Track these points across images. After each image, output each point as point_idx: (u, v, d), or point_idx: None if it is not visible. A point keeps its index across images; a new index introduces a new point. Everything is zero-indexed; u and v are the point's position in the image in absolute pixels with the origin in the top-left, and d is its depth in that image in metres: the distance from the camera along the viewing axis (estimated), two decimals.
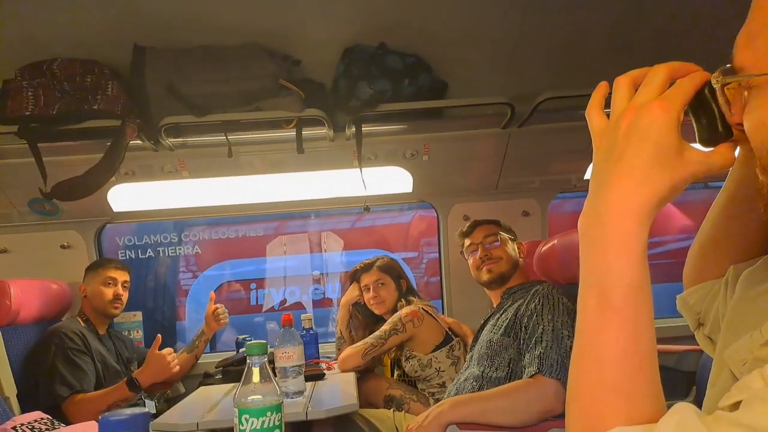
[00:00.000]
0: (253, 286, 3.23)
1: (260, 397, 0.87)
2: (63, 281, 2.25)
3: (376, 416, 1.87)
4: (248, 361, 0.89)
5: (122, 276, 2.20)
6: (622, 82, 0.49)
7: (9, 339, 1.91)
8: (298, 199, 2.44)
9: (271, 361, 1.65)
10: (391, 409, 1.95)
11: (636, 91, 0.48)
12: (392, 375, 2.30)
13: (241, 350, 2.21)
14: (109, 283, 2.15)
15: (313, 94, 1.84)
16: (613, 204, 0.46)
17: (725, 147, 0.48)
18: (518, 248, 1.83)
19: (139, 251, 2.93)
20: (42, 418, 1.66)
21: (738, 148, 0.53)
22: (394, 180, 2.36)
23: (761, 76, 0.43)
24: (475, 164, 2.35)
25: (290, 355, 1.63)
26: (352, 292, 2.29)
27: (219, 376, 2.12)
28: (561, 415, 1.36)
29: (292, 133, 1.92)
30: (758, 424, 0.36)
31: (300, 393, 1.64)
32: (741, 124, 0.46)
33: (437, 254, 2.59)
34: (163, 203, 2.39)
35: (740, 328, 0.56)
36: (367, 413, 1.88)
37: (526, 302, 1.59)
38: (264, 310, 3.20)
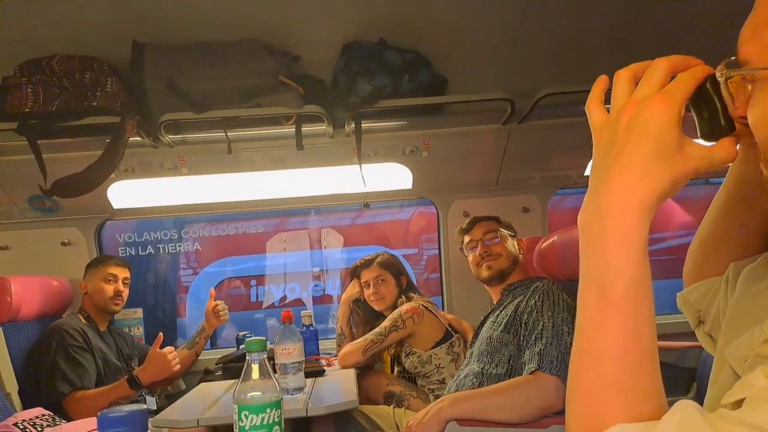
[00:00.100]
0: (253, 282, 3.23)
1: (259, 393, 0.87)
2: (64, 278, 2.25)
3: (376, 413, 1.88)
4: (247, 357, 0.89)
5: (123, 273, 2.20)
6: (623, 75, 0.49)
7: (10, 336, 1.92)
8: (297, 195, 2.44)
9: (272, 358, 1.65)
10: (391, 406, 1.96)
11: (636, 85, 0.47)
12: (392, 371, 2.30)
13: (241, 347, 2.21)
14: (110, 280, 2.16)
15: (312, 90, 1.84)
16: (613, 199, 0.45)
17: (727, 141, 0.47)
18: (518, 245, 1.83)
19: (140, 248, 2.93)
20: (43, 415, 1.66)
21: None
22: (393, 176, 2.36)
23: (767, 69, 0.43)
24: (475, 160, 2.34)
25: (290, 352, 1.63)
26: (353, 289, 2.29)
27: (219, 373, 2.12)
28: (561, 412, 1.36)
29: (292, 129, 1.91)
30: (762, 423, 0.35)
31: (300, 389, 1.64)
32: (743, 118, 0.45)
33: (437, 251, 2.59)
34: (163, 200, 2.38)
35: (741, 326, 0.56)
36: (367, 410, 1.88)
37: (526, 299, 1.59)
38: (264, 306, 3.20)
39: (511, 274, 1.76)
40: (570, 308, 1.50)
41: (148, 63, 1.74)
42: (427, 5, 1.70)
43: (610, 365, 0.44)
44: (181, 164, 2.13)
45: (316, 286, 3.22)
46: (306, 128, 1.92)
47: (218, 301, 2.30)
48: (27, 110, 1.71)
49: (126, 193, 2.31)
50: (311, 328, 2.14)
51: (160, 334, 2.00)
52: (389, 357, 2.32)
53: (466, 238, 1.86)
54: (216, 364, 2.19)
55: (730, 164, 0.57)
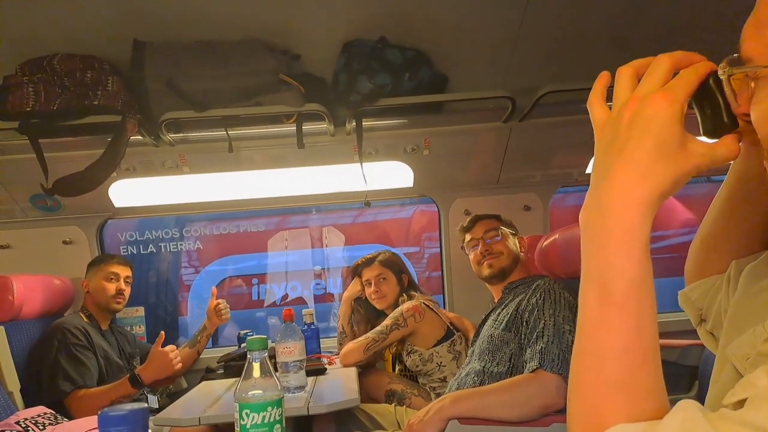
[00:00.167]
0: (254, 281, 3.24)
1: (261, 392, 0.87)
2: (65, 277, 2.26)
3: (377, 411, 1.88)
4: (249, 356, 0.89)
5: (124, 271, 2.20)
6: (625, 72, 0.48)
7: (12, 334, 1.92)
8: (299, 194, 2.44)
9: (273, 356, 1.65)
10: (393, 404, 1.96)
11: (639, 81, 0.47)
12: (393, 370, 2.30)
13: (242, 345, 2.21)
14: (112, 279, 2.16)
15: (313, 88, 1.83)
16: (614, 197, 0.45)
17: (730, 138, 0.47)
18: (519, 243, 1.82)
19: (141, 247, 2.94)
20: (45, 413, 1.66)
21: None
22: (394, 175, 2.35)
23: None
24: (476, 158, 2.34)
25: (291, 350, 1.64)
26: (354, 287, 2.29)
27: (221, 371, 2.12)
28: (562, 410, 1.36)
29: (293, 128, 1.91)
30: (764, 423, 0.35)
31: (301, 388, 1.64)
32: (746, 115, 0.45)
33: (438, 249, 2.59)
34: (165, 199, 2.39)
35: (743, 324, 0.55)
36: (368, 408, 1.88)
37: (527, 297, 1.59)
38: (265, 305, 3.20)
39: (512, 272, 1.76)
40: (571, 306, 1.50)
41: (149, 62, 1.74)
42: (427, 3, 1.70)
43: (612, 364, 0.44)
44: (182, 163, 2.13)
45: (317, 284, 3.22)
46: (307, 127, 1.92)
47: (220, 300, 2.30)
48: (28, 109, 1.71)
49: (127, 192, 2.31)
50: (312, 327, 2.14)
51: (162, 332, 2.01)
52: (390, 355, 2.32)
53: (468, 237, 1.86)
54: (218, 362, 2.19)
55: (732, 162, 0.57)
